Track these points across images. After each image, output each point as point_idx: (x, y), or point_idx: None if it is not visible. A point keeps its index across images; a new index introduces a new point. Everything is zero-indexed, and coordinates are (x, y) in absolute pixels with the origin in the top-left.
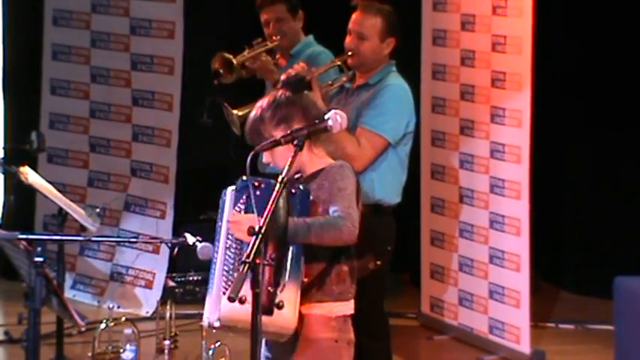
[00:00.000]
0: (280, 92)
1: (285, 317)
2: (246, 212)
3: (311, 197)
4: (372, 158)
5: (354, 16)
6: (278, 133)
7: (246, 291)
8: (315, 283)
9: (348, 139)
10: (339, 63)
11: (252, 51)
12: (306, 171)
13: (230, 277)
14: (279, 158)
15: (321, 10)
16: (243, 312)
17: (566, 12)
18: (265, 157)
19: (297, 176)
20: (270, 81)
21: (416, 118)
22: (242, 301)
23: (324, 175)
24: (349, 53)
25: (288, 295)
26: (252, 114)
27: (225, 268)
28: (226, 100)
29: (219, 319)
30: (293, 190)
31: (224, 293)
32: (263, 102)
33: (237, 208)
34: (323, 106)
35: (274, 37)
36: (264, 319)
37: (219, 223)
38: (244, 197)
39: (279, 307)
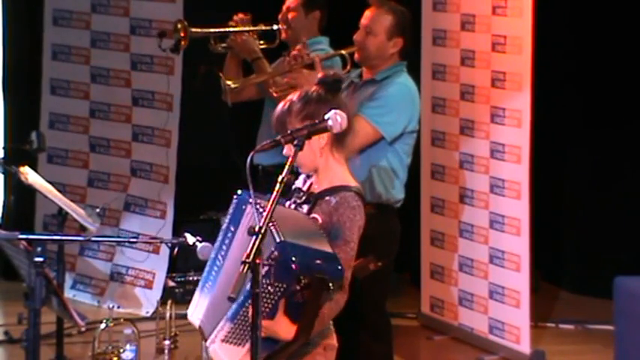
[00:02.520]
0: (314, 89)
1: None
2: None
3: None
4: (359, 146)
5: (367, 11)
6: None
7: None
8: None
9: None
10: (343, 52)
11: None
12: (318, 174)
13: (236, 334)
14: (306, 162)
15: (340, 10)
16: None
17: (565, 11)
18: (287, 149)
19: (306, 185)
20: (249, 59)
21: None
22: None
23: (335, 204)
24: (355, 47)
25: None
26: (281, 105)
27: (241, 321)
28: (221, 69)
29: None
30: (331, 286)
31: (223, 340)
32: (294, 95)
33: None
34: None
35: (280, 25)
36: None
37: (230, 227)
38: (277, 266)
39: None
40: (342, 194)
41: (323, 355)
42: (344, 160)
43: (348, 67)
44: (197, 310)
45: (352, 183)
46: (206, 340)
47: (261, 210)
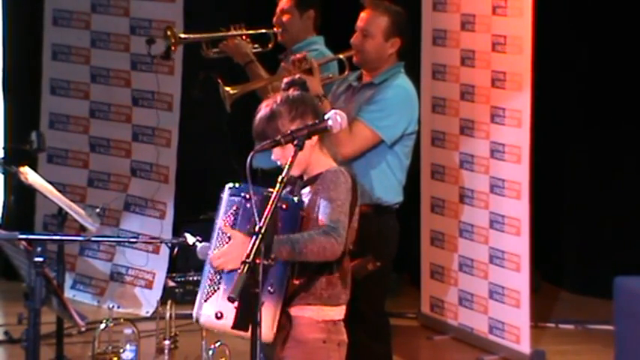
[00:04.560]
0: (290, 91)
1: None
2: (233, 225)
3: (303, 208)
4: (359, 150)
5: (362, 14)
6: (294, 128)
7: (222, 307)
8: (304, 287)
9: None
10: (341, 57)
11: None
12: (311, 172)
13: (210, 288)
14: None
15: (336, 11)
16: (220, 325)
17: (565, 12)
18: (275, 155)
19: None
20: (242, 63)
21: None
22: (218, 317)
23: (320, 180)
24: (353, 50)
25: (267, 311)
26: (263, 112)
27: (209, 275)
28: (220, 76)
29: (198, 321)
30: (284, 206)
31: (205, 300)
32: (274, 100)
33: (226, 216)
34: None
35: (275, 28)
36: (242, 333)
37: (217, 220)
38: (234, 207)
39: None
40: (323, 173)
41: (337, 352)
42: (330, 154)
43: (346, 72)
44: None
45: (334, 165)
46: (197, 321)
47: (235, 185)
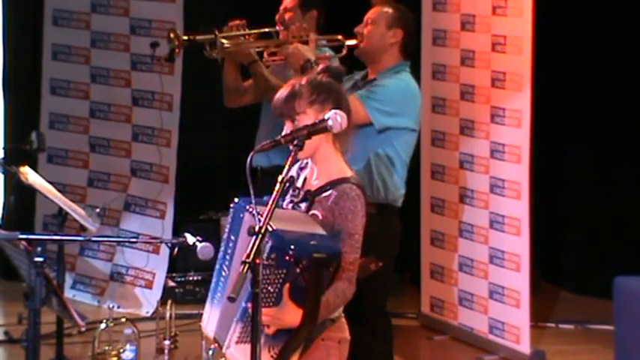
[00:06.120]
0: (320, 75)
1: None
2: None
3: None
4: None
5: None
6: (310, 112)
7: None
8: None
9: None
10: (339, 38)
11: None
12: (316, 165)
13: (246, 331)
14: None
15: (338, 13)
16: None
17: (565, 12)
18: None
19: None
20: (245, 63)
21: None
22: None
23: (336, 198)
24: (357, 39)
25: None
26: (285, 89)
27: (245, 319)
28: (219, 29)
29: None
30: (330, 268)
31: (238, 341)
32: (299, 80)
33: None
34: None
35: (277, 27)
36: None
37: (231, 237)
38: (274, 255)
39: None
40: (341, 187)
41: (337, 349)
42: (341, 152)
43: (343, 52)
44: (210, 322)
45: (349, 173)
46: (221, 348)
47: (258, 217)
